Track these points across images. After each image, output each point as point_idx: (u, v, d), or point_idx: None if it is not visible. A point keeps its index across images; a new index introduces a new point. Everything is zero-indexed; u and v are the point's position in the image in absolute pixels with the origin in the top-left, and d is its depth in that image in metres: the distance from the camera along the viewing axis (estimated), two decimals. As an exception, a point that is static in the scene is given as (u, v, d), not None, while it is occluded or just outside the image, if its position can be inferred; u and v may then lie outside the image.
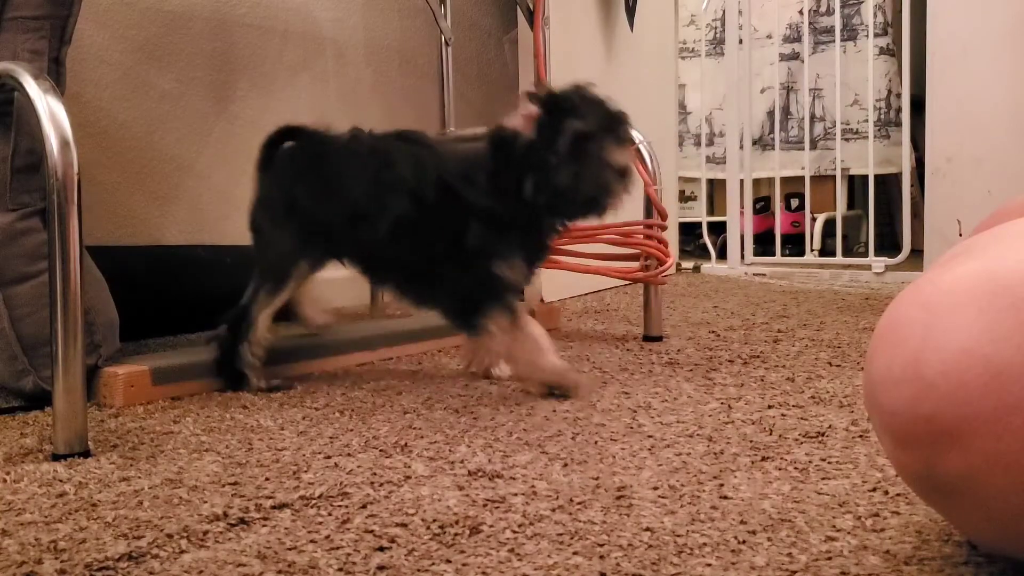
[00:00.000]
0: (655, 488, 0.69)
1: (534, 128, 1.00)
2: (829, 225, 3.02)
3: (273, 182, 1.15)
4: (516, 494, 0.68)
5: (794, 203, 3.08)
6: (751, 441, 0.82)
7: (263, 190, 1.15)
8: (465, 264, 1.03)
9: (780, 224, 2.78)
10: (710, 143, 3.26)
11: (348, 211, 1.08)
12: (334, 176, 1.10)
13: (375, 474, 0.74)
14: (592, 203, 1.02)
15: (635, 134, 1.47)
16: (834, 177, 2.86)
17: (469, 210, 1.02)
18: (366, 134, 1.12)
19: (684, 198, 3.35)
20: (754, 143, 2.99)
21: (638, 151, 1.46)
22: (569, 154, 0.98)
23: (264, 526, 0.63)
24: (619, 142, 1.01)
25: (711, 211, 3.25)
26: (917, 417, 0.46)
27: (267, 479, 0.74)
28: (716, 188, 3.29)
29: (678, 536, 0.59)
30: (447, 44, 1.92)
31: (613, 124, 1.01)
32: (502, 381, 1.12)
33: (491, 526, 0.61)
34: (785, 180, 2.90)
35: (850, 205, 3.27)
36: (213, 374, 1.10)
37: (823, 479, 0.71)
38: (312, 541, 0.60)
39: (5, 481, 0.74)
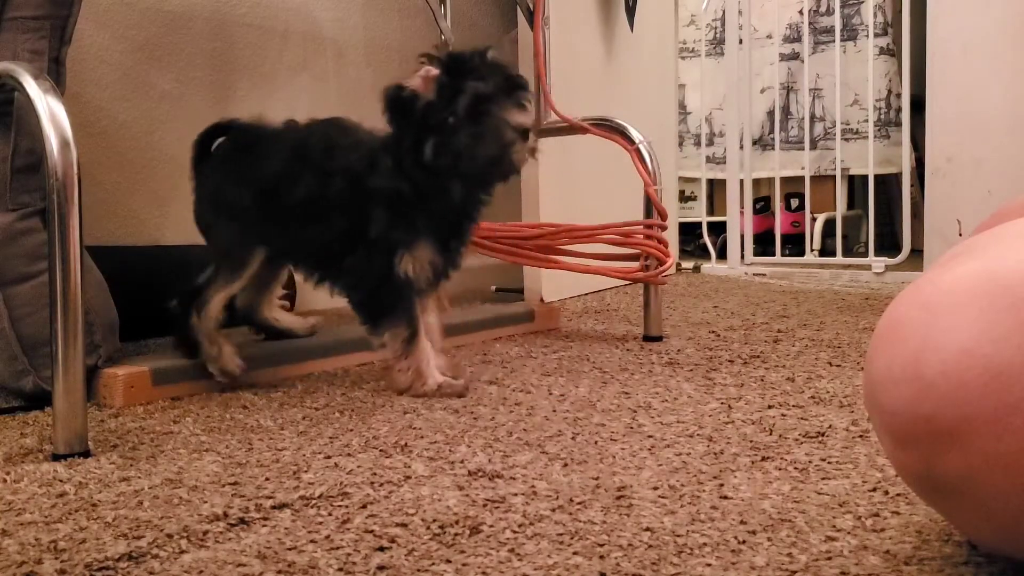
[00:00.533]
0: (655, 488, 0.69)
1: (434, 89, 0.98)
2: (829, 225, 3.02)
3: (206, 177, 1.16)
4: (516, 494, 0.68)
5: (794, 203, 3.08)
6: (751, 441, 0.82)
7: (198, 187, 1.17)
8: (369, 257, 1.04)
9: (780, 224, 2.78)
10: (710, 143, 3.26)
11: (266, 200, 1.09)
12: (256, 166, 1.11)
13: (375, 474, 0.74)
14: (495, 163, 1.00)
15: (635, 134, 1.48)
16: (834, 177, 2.86)
17: (371, 195, 1.02)
18: (297, 124, 1.13)
19: (684, 198, 3.35)
20: (754, 143, 2.98)
21: (638, 151, 1.46)
22: (468, 115, 0.97)
23: (264, 526, 0.63)
24: (518, 104, 0.99)
25: (711, 211, 3.25)
26: (917, 417, 0.46)
27: (267, 479, 0.74)
28: (716, 188, 3.28)
29: (678, 536, 0.59)
30: (447, 44, 1.91)
31: (513, 88, 1.00)
32: (502, 382, 1.12)
33: (491, 526, 0.61)
34: (785, 180, 2.90)
35: (850, 205, 3.27)
36: (173, 349, 1.13)
37: (823, 479, 0.71)
38: (312, 541, 0.60)
39: (5, 481, 0.74)
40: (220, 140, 1.18)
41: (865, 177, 2.70)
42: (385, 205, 1.02)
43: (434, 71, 0.99)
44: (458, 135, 0.98)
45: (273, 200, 1.08)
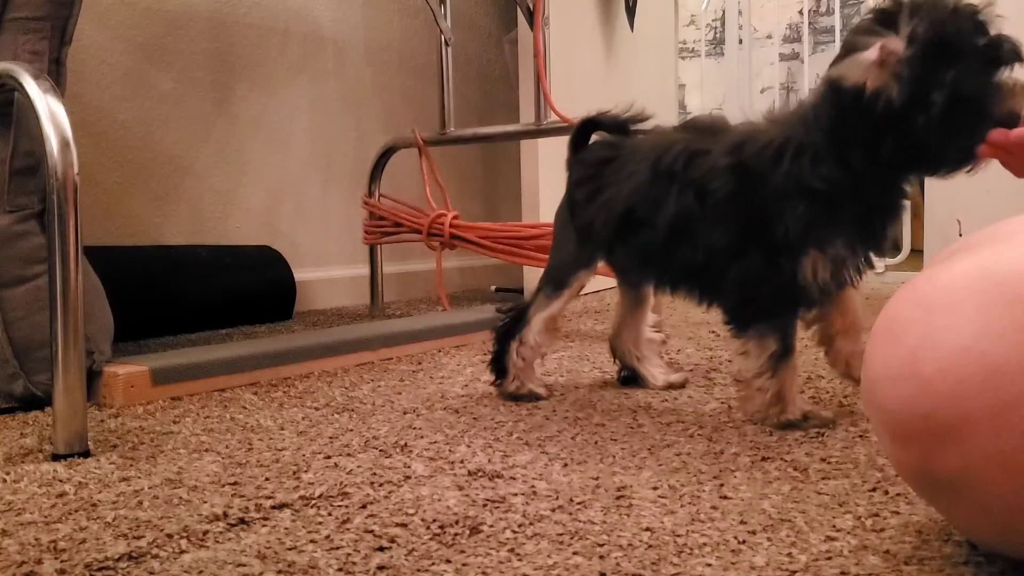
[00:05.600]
0: (655, 488, 0.69)
1: (896, 80, 0.76)
2: (829, 225, 3.02)
3: (568, 181, 1.07)
4: (516, 494, 0.68)
5: (794, 203, 3.08)
6: (751, 441, 0.82)
7: (566, 188, 1.07)
8: (766, 258, 0.86)
9: (780, 224, 2.77)
10: (710, 143, 3.26)
11: (621, 212, 0.97)
12: (611, 175, 0.99)
13: (375, 474, 0.74)
14: (964, 159, 0.80)
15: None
16: (834, 177, 2.86)
17: (782, 193, 0.84)
18: (658, 130, 1.02)
19: (684, 198, 3.34)
20: (754, 143, 2.98)
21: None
22: (946, 113, 0.76)
23: (264, 526, 0.63)
24: (1011, 84, 0.76)
25: (711, 211, 3.25)
26: (914, 414, 0.46)
27: (267, 479, 0.73)
28: (716, 188, 3.28)
29: (678, 536, 0.59)
30: (447, 44, 1.92)
31: (1005, 54, 0.76)
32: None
33: (491, 526, 0.61)
34: (785, 180, 2.89)
35: (850, 205, 3.27)
36: (489, 368, 1.06)
37: (823, 479, 0.70)
38: (312, 541, 0.60)
39: (5, 481, 0.75)
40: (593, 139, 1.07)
41: (865, 177, 2.69)
42: (807, 202, 0.84)
43: (895, 48, 0.75)
44: (929, 135, 0.77)
45: (638, 220, 0.95)
